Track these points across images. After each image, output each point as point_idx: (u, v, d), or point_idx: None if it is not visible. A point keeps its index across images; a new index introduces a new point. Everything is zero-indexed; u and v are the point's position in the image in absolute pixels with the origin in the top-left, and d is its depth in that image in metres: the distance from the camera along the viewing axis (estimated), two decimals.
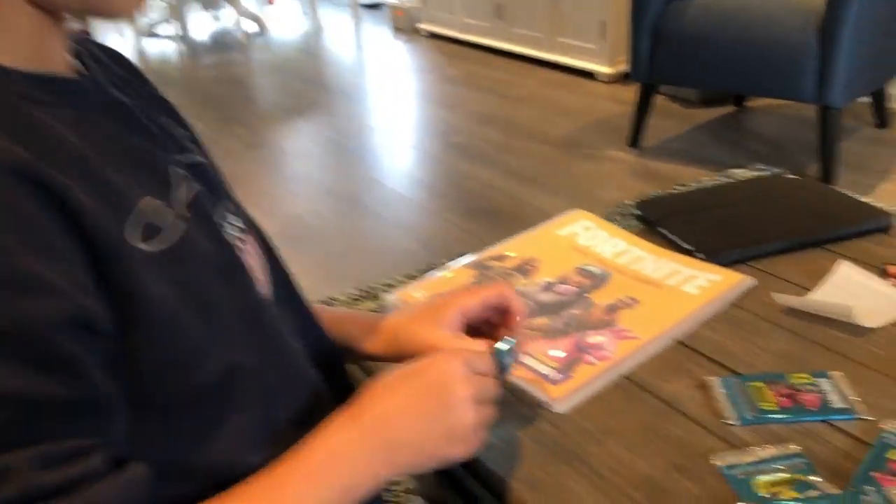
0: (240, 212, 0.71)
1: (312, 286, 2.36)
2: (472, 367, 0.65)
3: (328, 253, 2.51)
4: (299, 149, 3.66)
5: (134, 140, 0.59)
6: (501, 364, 0.71)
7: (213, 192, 0.66)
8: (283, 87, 4.61)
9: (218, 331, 0.57)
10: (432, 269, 1.06)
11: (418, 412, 0.62)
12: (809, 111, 2.83)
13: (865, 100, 3.14)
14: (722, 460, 0.71)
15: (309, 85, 4.59)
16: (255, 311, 0.62)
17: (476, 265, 1.05)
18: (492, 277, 1.01)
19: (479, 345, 0.73)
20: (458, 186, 2.99)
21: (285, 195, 3.08)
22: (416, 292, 0.98)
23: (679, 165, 2.99)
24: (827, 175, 2.66)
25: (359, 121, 3.96)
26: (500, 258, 1.06)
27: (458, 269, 1.04)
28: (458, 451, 0.63)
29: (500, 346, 0.72)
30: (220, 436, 0.57)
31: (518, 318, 0.76)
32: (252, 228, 0.72)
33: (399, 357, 0.76)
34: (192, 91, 4.51)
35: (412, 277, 1.05)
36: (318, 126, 3.90)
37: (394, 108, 4.12)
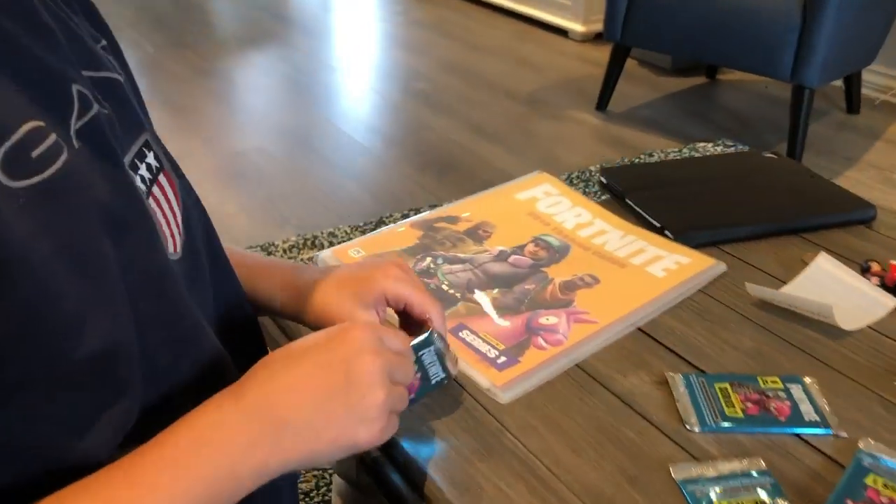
0: (158, 147, 0.58)
1: (250, 228, 2.23)
2: (384, 339, 0.55)
3: (271, 195, 2.37)
4: (252, 81, 3.46)
5: (31, 43, 0.45)
6: (420, 361, 0.62)
7: (123, 119, 0.53)
8: (242, 16, 4.37)
9: (99, 299, 0.45)
10: (380, 222, 0.95)
11: (315, 388, 0.51)
12: (781, 89, 2.76)
13: (838, 84, 3.08)
14: (680, 472, 0.63)
15: (269, 15, 4.35)
16: (154, 276, 0.50)
17: (423, 225, 0.94)
18: (439, 241, 0.91)
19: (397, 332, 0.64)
20: (416, 136, 2.86)
21: (232, 128, 2.91)
22: (353, 250, 0.87)
23: (645, 134, 2.90)
24: (792, 156, 2.60)
25: (318, 58, 3.77)
26: (451, 220, 0.95)
27: (403, 228, 0.93)
28: (365, 434, 0.53)
29: (424, 338, 0.63)
30: (90, 427, 0.46)
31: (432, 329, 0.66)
32: (169, 167, 0.59)
33: (312, 323, 0.67)
34: (144, 8, 4.25)
35: (357, 229, 0.94)
36: (275, 60, 3.69)
37: (356, 48, 3.93)
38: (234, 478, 0.48)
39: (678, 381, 0.72)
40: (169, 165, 0.58)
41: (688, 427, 0.67)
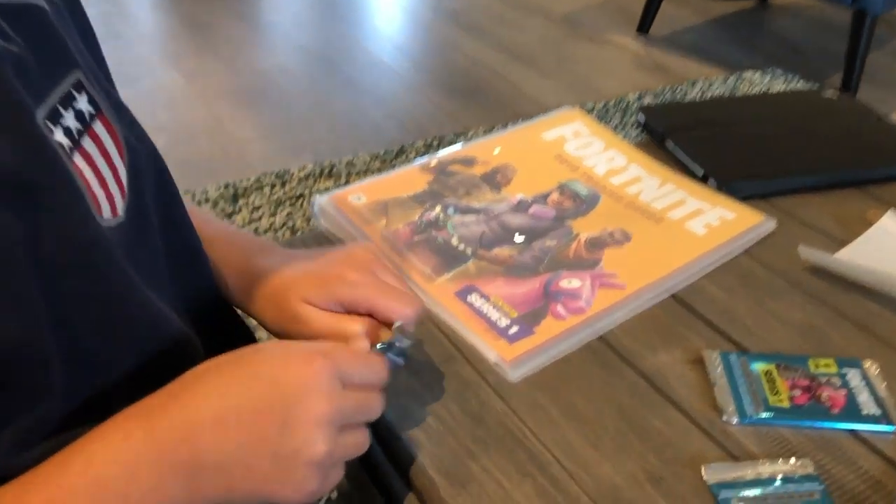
0: (97, 87, 0.47)
1: (266, 154, 2.14)
2: (346, 374, 0.46)
3: (290, 118, 2.27)
4: None
5: None
6: (394, 358, 0.53)
7: (43, 55, 0.43)
8: None
9: (4, 286, 0.37)
10: (401, 151, 0.85)
11: (244, 429, 0.43)
12: (837, 15, 2.56)
13: None
14: (714, 474, 0.54)
15: None
16: (78, 248, 0.41)
17: (434, 168, 0.84)
18: (451, 186, 0.81)
19: (361, 324, 0.55)
20: (445, 59, 2.72)
21: (252, 46, 2.79)
22: (354, 196, 0.77)
23: (689, 61, 2.73)
24: (847, 88, 2.43)
25: None
26: (467, 162, 0.85)
27: (413, 170, 0.83)
28: (289, 493, 0.44)
29: (394, 332, 0.54)
30: None
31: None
32: (111, 111, 0.48)
33: (258, 315, 0.58)
34: None
35: (377, 157, 0.85)
36: None
37: None
38: None
39: (716, 361, 0.63)
40: (111, 109, 0.48)
41: (724, 418, 0.58)
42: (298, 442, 0.43)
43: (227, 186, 1.93)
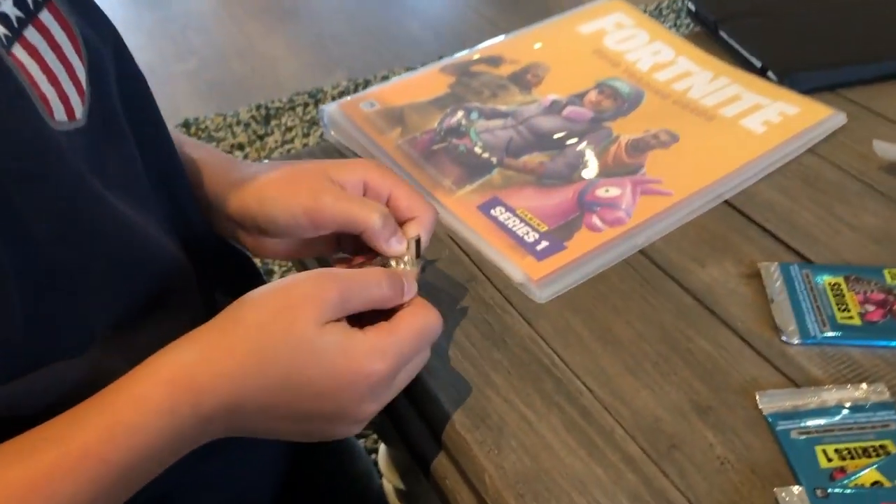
0: None
1: (298, 72, 2.07)
2: (405, 357, 0.43)
3: (322, 35, 2.18)
4: None
5: None
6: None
7: None
8: None
9: None
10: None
11: (294, 419, 0.42)
12: None
13: None
14: (770, 403, 0.47)
15: None
16: (25, 156, 0.36)
17: (457, 69, 0.76)
18: (475, 89, 0.73)
19: (380, 213, 0.47)
20: None
21: None
22: (366, 103, 0.70)
23: None
24: None
25: None
26: (493, 61, 0.77)
27: (431, 72, 0.75)
28: (340, 432, 0.44)
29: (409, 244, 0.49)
30: None
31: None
32: (67, 2, 0.42)
33: (263, 224, 0.50)
34: None
35: (412, 70, 0.76)
36: None
37: None
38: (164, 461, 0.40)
39: (774, 274, 0.55)
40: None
41: (784, 338, 0.51)
42: (353, 427, 0.43)
43: (258, 108, 1.87)
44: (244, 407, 0.39)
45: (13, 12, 0.37)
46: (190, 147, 0.55)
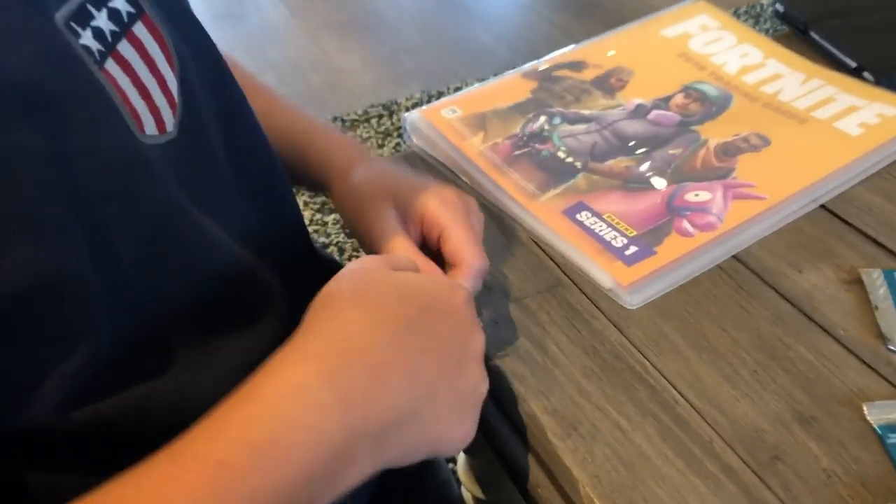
0: None
1: (373, 85, 2.10)
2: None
3: (397, 47, 2.20)
4: None
5: None
6: None
7: None
8: None
9: (14, 215, 0.31)
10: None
11: (426, 368, 0.39)
12: None
13: None
14: (879, 414, 0.45)
15: None
16: (114, 170, 0.36)
17: (538, 74, 0.75)
18: (558, 94, 0.72)
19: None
20: None
21: None
22: (448, 109, 0.70)
23: None
24: None
25: None
26: (576, 66, 0.76)
27: (514, 77, 0.75)
28: (458, 438, 0.41)
29: None
30: (35, 388, 0.34)
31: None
32: (156, 12, 0.41)
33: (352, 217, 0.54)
34: None
35: (485, 81, 0.76)
36: None
37: None
38: (323, 491, 0.35)
39: (877, 280, 0.53)
40: (158, 10, 0.41)
41: (891, 346, 0.49)
42: (474, 377, 0.41)
43: (335, 120, 1.90)
44: (384, 375, 0.37)
45: (108, 26, 0.37)
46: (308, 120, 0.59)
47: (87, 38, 0.35)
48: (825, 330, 0.50)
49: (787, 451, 0.43)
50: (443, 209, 0.50)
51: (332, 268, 0.60)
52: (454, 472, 0.85)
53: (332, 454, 0.34)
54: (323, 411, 0.34)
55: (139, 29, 0.39)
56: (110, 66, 0.36)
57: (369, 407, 0.36)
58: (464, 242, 0.49)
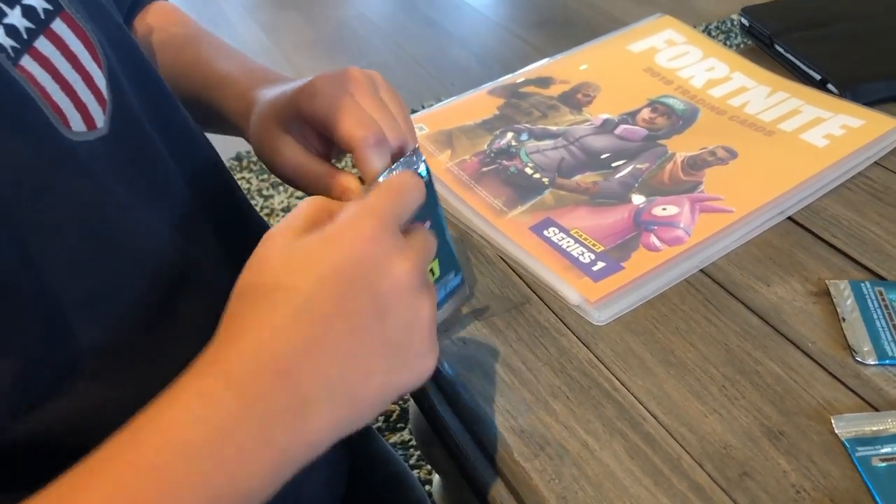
0: None
1: None
2: (400, 217, 0.37)
3: (370, 65, 2.19)
4: None
5: None
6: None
7: None
8: None
9: None
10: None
11: (336, 336, 0.34)
12: None
13: None
14: (848, 427, 0.44)
15: None
16: (42, 170, 0.35)
17: (505, 91, 0.75)
18: (525, 110, 0.72)
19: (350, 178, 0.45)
20: None
21: None
22: (416, 126, 0.69)
23: None
24: None
25: None
26: (542, 82, 0.76)
27: (480, 94, 0.75)
28: (413, 377, 0.37)
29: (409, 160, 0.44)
30: None
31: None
32: (76, 7, 0.41)
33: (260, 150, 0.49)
34: None
35: (455, 97, 0.76)
36: None
37: None
38: (239, 491, 0.32)
39: (844, 292, 0.53)
40: (79, 5, 0.40)
41: (858, 359, 0.48)
42: (404, 315, 0.36)
43: None
44: (286, 353, 0.33)
45: (22, 24, 0.36)
46: (221, 62, 0.56)
47: None
48: (793, 343, 0.50)
49: (755, 468, 0.43)
50: (315, 101, 0.44)
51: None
52: (430, 495, 0.83)
53: (247, 441, 0.32)
54: (230, 414, 0.32)
55: (58, 25, 0.38)
56: (27, 62, 0.35)
57: (277, 396, 0.33)
58: (348, 124, 0.42)
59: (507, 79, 0.77)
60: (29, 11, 0.37)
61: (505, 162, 0.65)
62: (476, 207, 0.61)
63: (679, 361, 0.49)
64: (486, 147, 0.67)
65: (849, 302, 0.52)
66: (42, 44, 0.37)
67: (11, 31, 0.35)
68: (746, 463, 0.43)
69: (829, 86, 0.73)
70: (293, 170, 0.47)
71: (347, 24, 2.46)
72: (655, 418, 0.46)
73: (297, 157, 0.46)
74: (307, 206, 0.37)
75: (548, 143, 0.67)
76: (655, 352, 0.50)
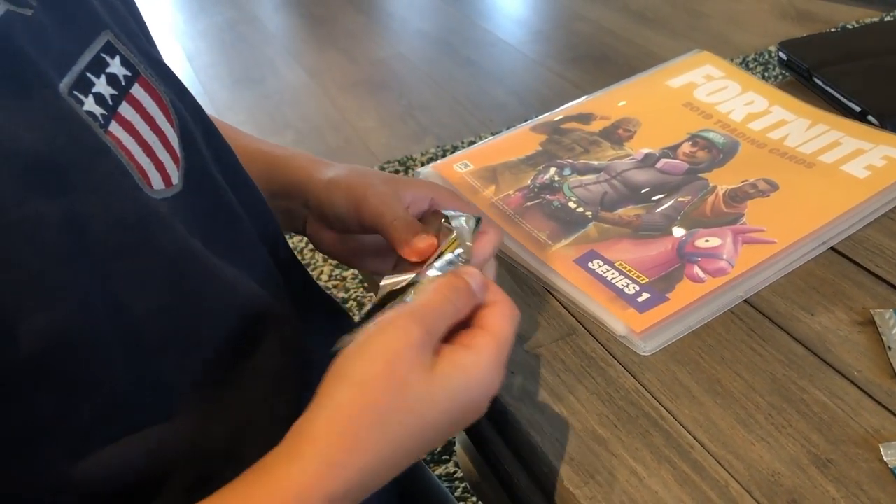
0: (132, 47, 0.42)
1: (390, 142, 2.15)
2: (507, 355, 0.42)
3: (411, 104, 2.25)
4: None
5: None
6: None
7: (66, 18, 0.38)
8: None
9: (27, 281, 0.32)
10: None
11: (421, 443, 0.39)
12: None
13: None
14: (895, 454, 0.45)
15: None
16: (128, 225, 0.37)
17: (547, 127, 0.77)
18: (567, 146, 0.74)
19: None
20: (565, 28, 2.62)
21: (370, 36, 2.79)
22: (460, 164, 0.72)
23: (839, 4, 2.48)
24: None
25: None
26: (584, 118, 0.78)
27: (523, 131, 0.77)
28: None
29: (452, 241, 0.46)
30: (39, 447, 0.35)
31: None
32: (151, 72, 0.43)
33: (326, 208, 0.53)
34: None
35: (499, 134, 0.78)
36: None
37: None
38: None
39: (890, 321, 0.53)
40: (151, 70, 0.43)
41: None
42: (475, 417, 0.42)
43: None
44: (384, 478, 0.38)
45: (108, 91, 0.39)
46: (272, 146, 0.59)
47: (90, 104, 0.37)
48: (839, 371, 0.51)
49: (804, 495, 0.43)
50: (451, 195, 0.52)
51: (327, 300, 0.61)
52: None
53: None
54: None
55: (137, 90, 0.41)
56: (114, 128, 0.38)
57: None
58: (452, 200, 0.51)
59: (547, 115, 0.79)
60: (112, 79, 0.39)
61: (549, 196, 0.67)
62: (521, 241, 0.63)
63: (725, 390, 0.50)
64: (529, 182, 0.69)
65: (895, 331, 0.52)
66: (125, 109, 0.39)
67: (100, 99, 0.38)
68: (795, 490, 0.44)
69: (869, 117, 0.74)
70: (376, 222, 0.49)
71: (388, 64, 2.52)
72: (703, 446, 0.47)
73: (395, 212, 0.49)
74: (426, 334, 0.40)
75: (590, 177, 0.69)
76: (701, 381, 0.51)
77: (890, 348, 0.51)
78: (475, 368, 0.39)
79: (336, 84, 2.40)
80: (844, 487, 0.44)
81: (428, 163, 1.92)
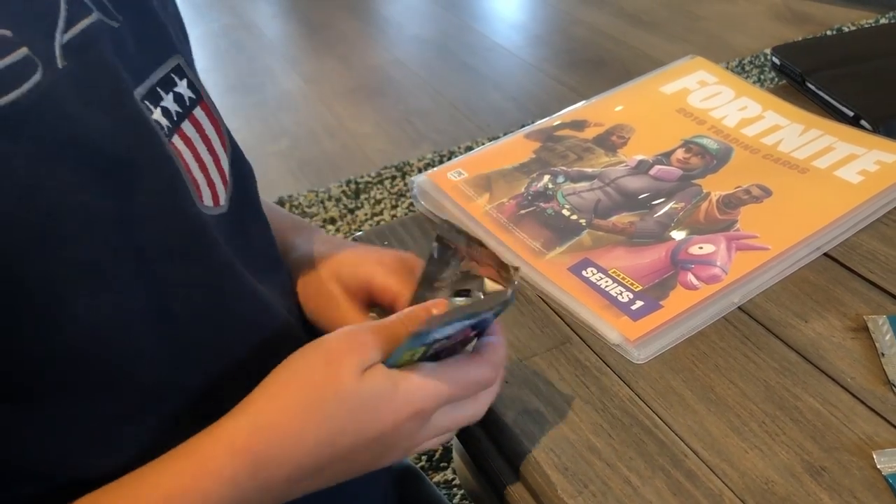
0: (195, 77, 0.45)
1: (387, 148, 2.15)
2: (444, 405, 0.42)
3: (408, 110, 2.25)
4: None
5: None
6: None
7: (145, 35, 0.41)
8: None
9: (78, 271, 0.34)
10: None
11: (345, 467, 0.41)
12: None
13: None
14: (890, 462, 0.45)
15: None
16: (179, 233, 0.39)
17: (541, 135, 0.77)
18: (560, 153, 0.74)
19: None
20: (562, 32, 2.62)
21: (367, 42, 2.79)
22: (454, 172, 0.72)
23: (835, 6, 2.49)
24: None
25: None
26: (577, 125, 0.78)
27: (516, 139, 0.77)
28: (394, 458, 0.43)
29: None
30: (81, 436, 0.37)
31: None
32: (210, 101, 0.47)
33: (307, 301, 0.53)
34: None
35: (496, 139, 0.78)
36: None
37: None
38: None
39: (883, 327, 0.53)
40: (211, 99, 0.46)
41: None
42: (399, 454, 0.42)
43: (348, 183, 1.93)
44: (303, 468, 0.39)
45: (174, 107, 0.42)
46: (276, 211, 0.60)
47: (157, 115, 0.40)
48: (833, 378, 0.51)
49: (797, 503, 0.43)
50: (391, 279, 0.49)
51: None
52: None
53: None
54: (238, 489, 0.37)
55: (199, 112, 0.44)
56: (176, 140, 0.41)
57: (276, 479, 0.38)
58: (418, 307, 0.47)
59: (542, 122, 0.79)
60: (178, 98, 0.42)
61: (542, 204, 0.67)
62: (515, 249, 0.63)
63: (719, 398, 0.50)
64: (523, 190, 0.69)
65: (888, 337, 0.52)
66: (187, 126, 0.42)
67: (166, 112, 0.41)
68: (788, 498, 0.44)
69: (863, 122, 0.74)
70: (384, 292, 0.49)
71: (385, 70, 2.52)
72: (697, 455, 0.47)
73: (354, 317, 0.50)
74: (372, 340, 0.40)
75: (584, 185, 0.69)
76: (695, 389, 0.51)
77: (883, 355, 0.51)
78: (400, 396, 0.39)
79: (333, 90, 2.40)
80: (838, 495, 0.44)
81: (425, 168, 1.92)
